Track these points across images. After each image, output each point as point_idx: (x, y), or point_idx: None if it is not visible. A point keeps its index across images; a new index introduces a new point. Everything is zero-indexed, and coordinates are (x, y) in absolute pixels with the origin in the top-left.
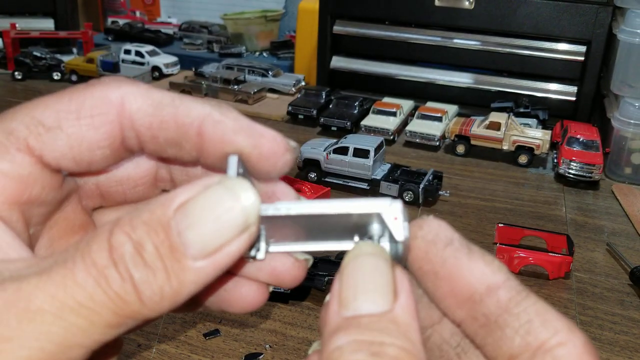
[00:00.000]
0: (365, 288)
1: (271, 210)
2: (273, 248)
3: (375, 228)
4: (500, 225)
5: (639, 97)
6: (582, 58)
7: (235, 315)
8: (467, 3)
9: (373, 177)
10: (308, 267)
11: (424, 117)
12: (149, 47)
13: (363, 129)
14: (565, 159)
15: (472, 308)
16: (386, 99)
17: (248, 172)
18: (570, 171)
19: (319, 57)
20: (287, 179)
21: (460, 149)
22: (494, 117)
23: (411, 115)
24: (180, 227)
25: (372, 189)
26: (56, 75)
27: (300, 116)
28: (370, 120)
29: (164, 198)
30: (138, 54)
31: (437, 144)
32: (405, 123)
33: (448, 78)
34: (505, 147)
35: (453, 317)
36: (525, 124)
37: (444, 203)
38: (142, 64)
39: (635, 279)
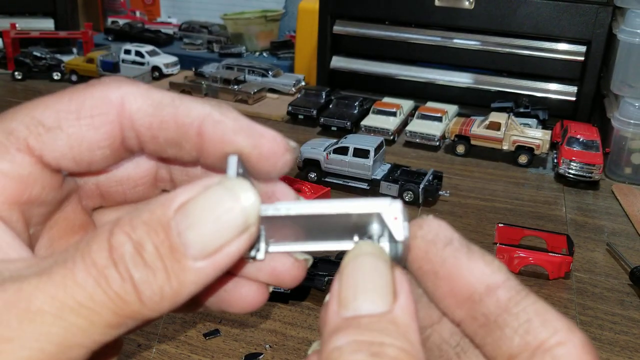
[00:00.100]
0: (365, 288)
1: (271, 210)
2: (273, 248)
3: (375, 228)
4: (500, 225)
5: (639, 97)
6: (582, 58)
7: (235, 315)
8: (467, 3)
9: (373, 177)
10: (308, 267)
11: (424, 117)
12: (149, 47)
13: (363, 129)
14: (565, 159)
15: (471, 308)
16: (386, 99)
17: (248, 172)
18: (570, 171)
19: (319, 57)
20: (287, 179)
21: (460, 149)
22: (494, 117)
23: (411, 115)
24: (180, 227)
25: (372, 189)
26: (56, 76)
27: (300, 116)
28: (370, 120)
29: (164, 198)
30: (138, 54)
31: (437, 144)
32: (405, 123)
33: (448, 78)
34: (505, 147)
35: (452, 317)
36: (525, 124)
37: (444, 203)
38: (142, 64)
39: (635, 279)
